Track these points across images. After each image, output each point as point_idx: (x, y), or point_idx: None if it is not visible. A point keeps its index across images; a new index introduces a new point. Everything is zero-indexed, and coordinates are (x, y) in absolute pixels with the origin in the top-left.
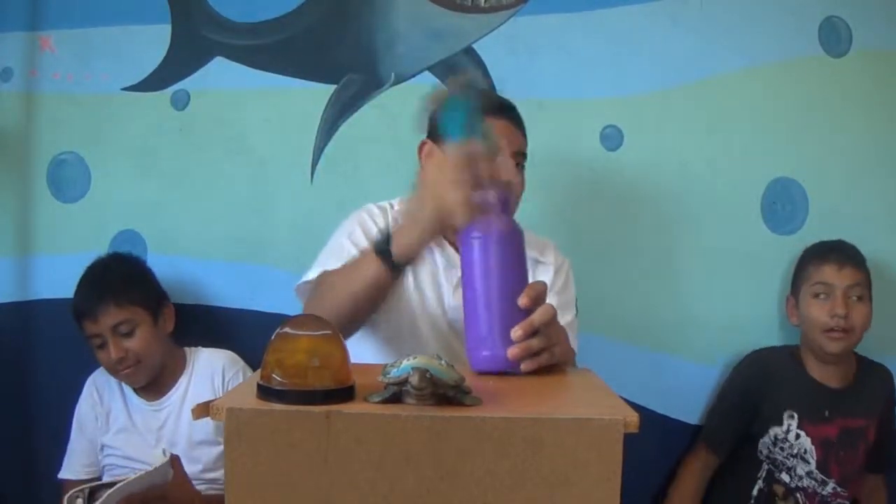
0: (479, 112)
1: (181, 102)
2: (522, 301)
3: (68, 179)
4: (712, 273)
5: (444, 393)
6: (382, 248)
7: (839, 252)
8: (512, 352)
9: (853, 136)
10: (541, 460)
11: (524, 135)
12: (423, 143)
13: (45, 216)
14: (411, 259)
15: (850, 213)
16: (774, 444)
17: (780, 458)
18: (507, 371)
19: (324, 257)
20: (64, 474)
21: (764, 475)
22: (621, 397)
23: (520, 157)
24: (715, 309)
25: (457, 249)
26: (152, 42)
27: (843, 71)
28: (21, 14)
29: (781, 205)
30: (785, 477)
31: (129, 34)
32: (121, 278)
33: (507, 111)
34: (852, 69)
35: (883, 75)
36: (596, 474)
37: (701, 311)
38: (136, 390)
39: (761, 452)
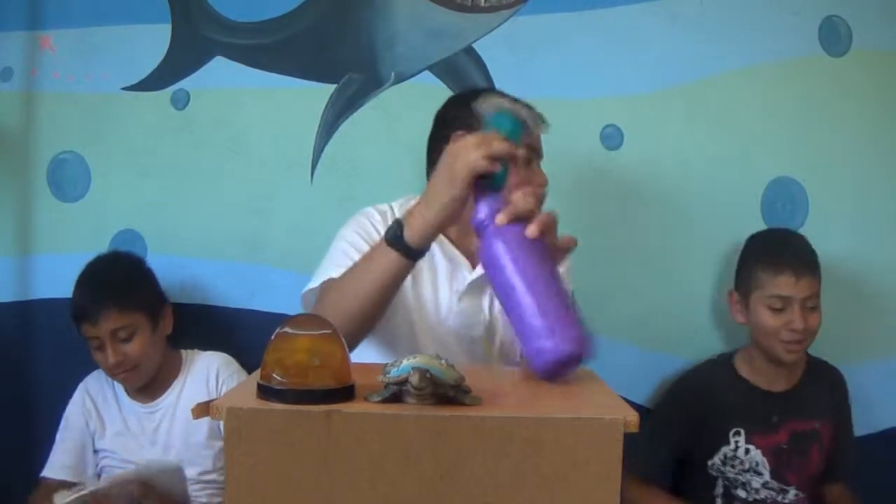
0: (524, 127)
1: (181, 102)
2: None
3: (68, 179)
4: (712, 272)
5: (444, 392)
6: (395, 236)
7: (793, 258)
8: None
9: (853, 135)
10: (541, 460)
11: None
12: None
13: (45, 216)
14: (429, 241)
15: (850, 211)
16: (724, 462)
17: (731, 475)
18: (571, 364)
19: (326, 265)
20: (45, 472)
21: (721, 492)
22: (621, 397)
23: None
24: (715, 308)
25: (459, 248)
26: (152, 42)
27: (843, 70)
28: (21, 13)
29: (782, 204)
30: (741, 493)
31: (130, 34)
32: (122, 281)
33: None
34: (852, 69)
35: (882, 75)
36: (596, 474)
37: (701, 310)
38: (129, 393)
39: (712, 470)
